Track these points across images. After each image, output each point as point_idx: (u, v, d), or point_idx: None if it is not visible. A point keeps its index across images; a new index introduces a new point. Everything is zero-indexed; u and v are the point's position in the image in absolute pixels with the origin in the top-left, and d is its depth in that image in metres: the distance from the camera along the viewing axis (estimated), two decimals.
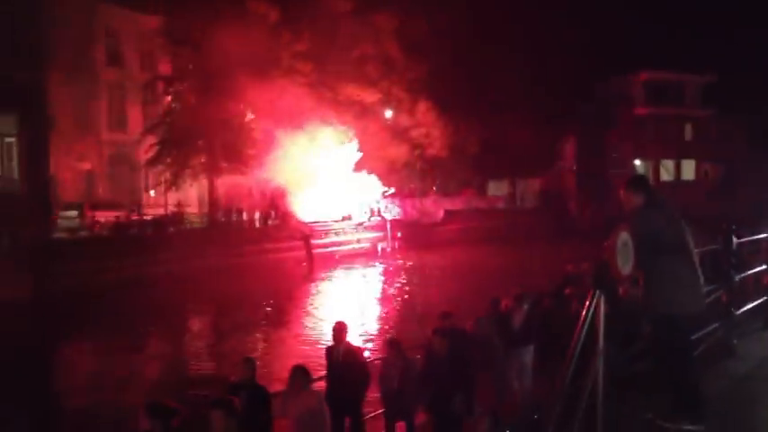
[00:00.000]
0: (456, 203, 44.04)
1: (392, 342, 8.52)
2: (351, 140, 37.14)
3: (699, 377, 5.08)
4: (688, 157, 56.93)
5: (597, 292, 3.95)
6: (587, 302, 4.00)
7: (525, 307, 9.39)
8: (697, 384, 4.97)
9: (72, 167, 33.72)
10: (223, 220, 35.04)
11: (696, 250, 5.15)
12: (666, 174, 56.08)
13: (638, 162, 54.67)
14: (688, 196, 42.25)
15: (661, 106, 53.41)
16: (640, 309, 5.33)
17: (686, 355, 5.08)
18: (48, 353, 17.27)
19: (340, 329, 8.30)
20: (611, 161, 52.58)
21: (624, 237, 4.37)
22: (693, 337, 5.73)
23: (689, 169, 57.45)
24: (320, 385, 8.11)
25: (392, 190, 38.88)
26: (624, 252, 4.36)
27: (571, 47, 43.17)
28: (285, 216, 34.49)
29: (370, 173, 38.02)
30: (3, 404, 12.47)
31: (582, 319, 3.93)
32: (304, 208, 34.36)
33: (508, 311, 9.46)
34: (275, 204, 35.00)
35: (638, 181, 5.25)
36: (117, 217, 29.75)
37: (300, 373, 7.06)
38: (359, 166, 37.80)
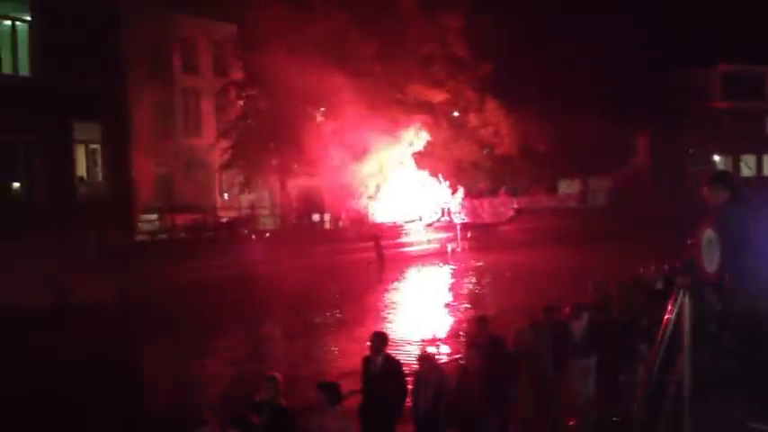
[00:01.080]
0: (526, 203, 43.55)
1: (425, 356, 8.06)
2: (420, 141, 37.19)
3: None
4: None
5: (683, 291, 3.93)
6: (672, 302, 3.98)
7: (585, 316, 9.11)
8: None
9: (151, 172, 34.99)
10: (295, 221, 35.67)
11: None
12: (747, 169, 53.96)
13: (717, 157, 52.81)
14: None
15: (740, 100, 51.42)
16: (727, 308, 5.23)
17: None
18: (136, 354, 18.04)
19: (379, 339, 7.96)
20: (689, 157, 50.96)
21: (710, 234, 4.32)
22: None
23: None
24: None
25: (461, 190, 38.69)
26: (710, 250, 4.32)
27: (644, 39, 42.09)
28: (356, 218, 34.86)
29: (438, 173, 37.98)
30: (92, 404, 13.03)
31: (667, 318, 3.93)
32: (375, 209, 34.67)
33: (566, 321, 9.16)
34: (346, 206, 35.41)
35: (721, 176, 5.15)
36: (194, 220, 30.74)
37: (325, 392, 6.58)
38: (428, 167, 37.82)
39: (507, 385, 7.78)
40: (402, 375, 7.92)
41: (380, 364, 7.74)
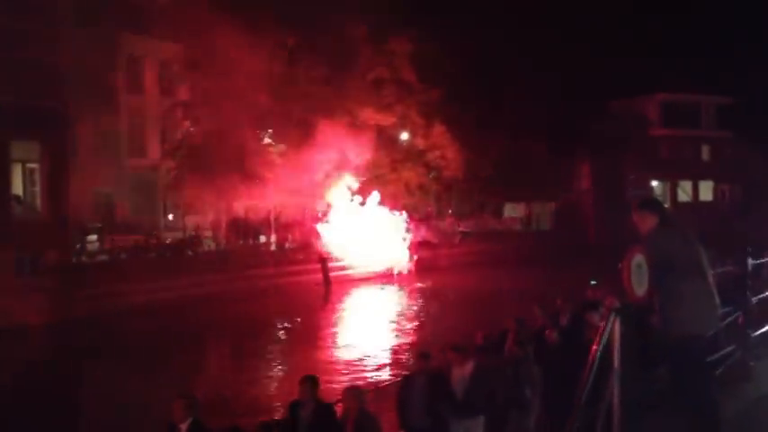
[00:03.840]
0: (472, 226, 44.01)
1: (351, 391, 7.27)
2: (367, 164, 37.29)
3: (716, 399, 5.09)
4: (705, 178, 56.61)
5: (613, 314, 4.01)
6: (602, 324, 4.06)
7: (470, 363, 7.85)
8: (714, 406, 4.98)
9: (92, 192, 34.15)
10: (241, 243, 35.25)
11: (712, 271, 5.19)
12: (684, 195, 55.77)
13: (655, 183, 54.43)
14: (706, 217, 41.94)
15: (677, 127, 53.27)
16: (657, 331, 5.36)
17: (703, 377, 5.09)
18: (72, 376, 17.45)
19: (309, 383, 7.21)
20: (629, 182, 52.38)
21: (638, 258, 4.43)
22: (710, 359, 5.74)
23: (707, 190, 57.08)
24: None
25: (404, 214, 38.90)
26: (638, 274, 4.42)
27: (585, 69, 43.34)
28: (304, 239, 34.64)
29: (386, 195, 38.10)
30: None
31: (597, 340, 3.99)
32: (322, 231, 34.51)
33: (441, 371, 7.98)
34: (293, 228, 35.19)
35: (650, 202, 5.30)
36: (136, 241, 30.08)
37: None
38: (376, 189, 37.90)
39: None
40: (336, 422, 7.19)
41: (311, 411, 7.11)
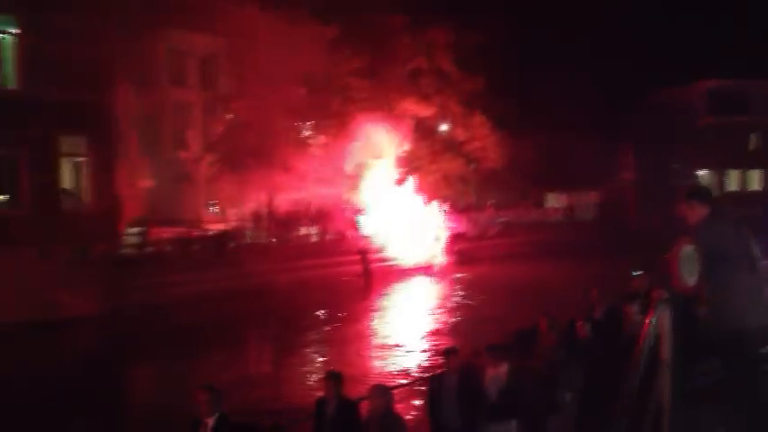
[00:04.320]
0: (513, 217, 43.67)
1: (379, 390, 7.08)
2: (407, 155, 37.26)
3: None
4: (754, 166, 55.15)
5: (662, 304, 3.95)
6: (649, 316, 4.00)
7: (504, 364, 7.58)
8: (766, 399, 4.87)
9: (137, 185, 34.81)
10: (282, 235, 35.55)
11: (763, 262, 5.07)
12: (732, 184, 54.45)
13: (701, 173, 53.26)
14: (755, 207, 40.93)
15: (724, 115, 51.96)
16: (709, 323, 5.25)
17: (755, 370, 4.99)
18: (127, 367, 17.89)
19: (333, 379, 7.18)
20: (673, 172, 51.36)
21: (688, 249, 4.35)
22: (762, 351, 5.61)
23: (755, 180, 55.63)
24: None
25: (446, 204, 38.76)
26: (688, 264, 4.35)
27: (629, 57, 42.60)
28: (343, 231, 34.82)
29: (426, 187, 38.02)
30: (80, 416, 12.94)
31: (643, 332, 3.93)
32: (363, 222, 34.64)
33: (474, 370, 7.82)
34: (333, 219, 35.37)
35: (700, 192, 5.19)
36: (179, 233, 30.57)
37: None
38: (416, 181, 37.86)
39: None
40: (358, 420, 7.16)
41: (335, 408, 7.10)
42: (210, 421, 6.16)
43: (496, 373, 7.45)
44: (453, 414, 7.45)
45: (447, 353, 7.82)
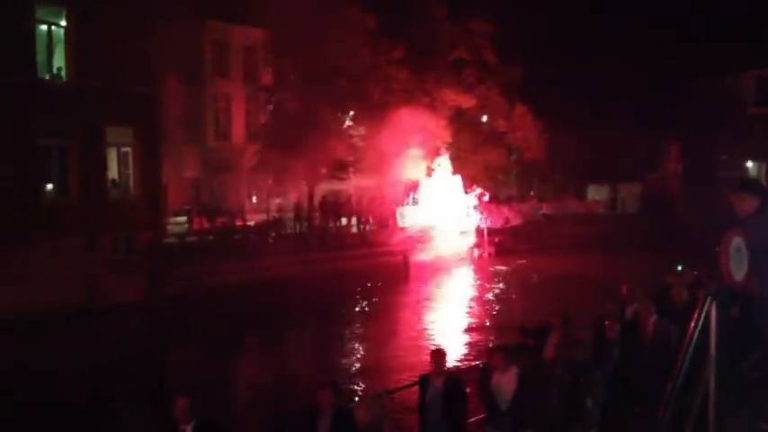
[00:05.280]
0: (554, 208, 43.20)
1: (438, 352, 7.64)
2: (448, 145, 37.14)
3: None
4: None
5: (710, 298, 3.88)
6: (698, 310, 3.93)
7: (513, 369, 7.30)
8: None
9: (180, 175, 35.40)
10: (323, 225, 35.80)
11: None
12: None
13: (749, 164, 51.90)
14: None
15: None
16: (756, 317, 5.16)
17: None
18: (174, 353, 18.26)
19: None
20: (721, 164, 50.14)
21: (737, 241, 4.26)
22: None
23: None
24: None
25: (487, 196, 38.55)
26: (737, 257, 4.25)
27: (674, 45, 41.63)
28: (384, 222, 34.90)
29: (467, 178, 37.88)
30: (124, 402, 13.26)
31: (692, 326, 3.88)
32: (404, 213, 34.69)
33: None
34: (374, 210, 35.46)
35: (751, 183, 5.09)
36: (222, 222, 31.01)
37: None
38: (457, 172, 37.75)
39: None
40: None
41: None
42: (188, 429, 6.08)
43: (507, 377, 7.11)
44: (440, 418, 7.22)
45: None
